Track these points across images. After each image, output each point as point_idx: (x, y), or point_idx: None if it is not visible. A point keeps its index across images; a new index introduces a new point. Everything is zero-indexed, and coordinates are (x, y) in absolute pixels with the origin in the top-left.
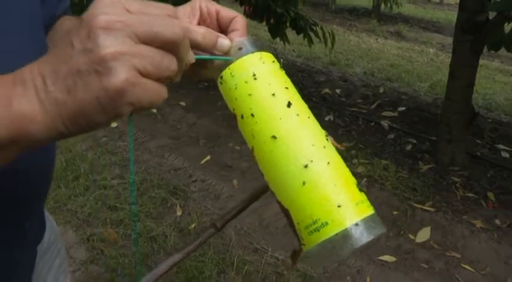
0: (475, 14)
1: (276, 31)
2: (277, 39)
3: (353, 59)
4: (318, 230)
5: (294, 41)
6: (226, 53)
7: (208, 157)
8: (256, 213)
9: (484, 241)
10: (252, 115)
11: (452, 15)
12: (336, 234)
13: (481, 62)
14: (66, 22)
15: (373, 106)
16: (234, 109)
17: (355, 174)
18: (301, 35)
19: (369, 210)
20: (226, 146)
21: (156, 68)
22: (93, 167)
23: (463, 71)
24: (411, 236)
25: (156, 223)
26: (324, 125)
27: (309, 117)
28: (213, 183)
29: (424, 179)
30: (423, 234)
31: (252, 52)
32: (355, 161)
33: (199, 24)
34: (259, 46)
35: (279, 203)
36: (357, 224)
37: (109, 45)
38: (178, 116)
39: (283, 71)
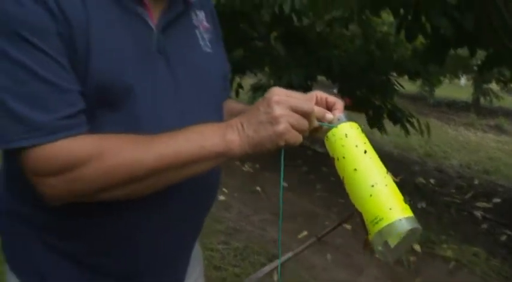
0: None
1: (374, 122)
2: (375, 130)
3: (450, 151)
4: (377, 223)
5: (391, 132)
6: (330, 122)
7: (305, 232)
8: None
9: None
10: (343, 158)
11: None
12: (388, 225)
13: None
14: (232, 104)
15: (467, 196)
16: (333, 154)
17: (443, 258)
18: (398, 125)
19: (410, 213)
20: (323, 224)
21: (299, 125)
22: (201, 233)
23: None
24: None
25: None
26: (415, 212)
27: (377, 160)
28: (308, 256)
29: None
30: None
31: (345, 121)
32: (444, 245)
33: (315, 104)
34: (350, 118)
35: (356, 209)
36: (400, 219)
37: (278, 111)
38: (279, 195)
39: (364, 133)
